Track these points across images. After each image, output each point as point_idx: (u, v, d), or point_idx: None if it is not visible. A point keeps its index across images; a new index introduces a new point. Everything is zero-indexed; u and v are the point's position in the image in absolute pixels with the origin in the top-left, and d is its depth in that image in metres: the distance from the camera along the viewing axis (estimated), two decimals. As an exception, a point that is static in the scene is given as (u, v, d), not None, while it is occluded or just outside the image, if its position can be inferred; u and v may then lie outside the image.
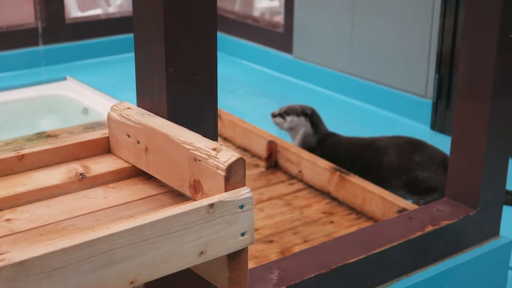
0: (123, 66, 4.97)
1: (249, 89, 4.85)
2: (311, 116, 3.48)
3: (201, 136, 1.54)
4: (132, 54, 1.77)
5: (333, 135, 3.51)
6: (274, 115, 3.53)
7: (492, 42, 2.29)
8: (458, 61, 2.48)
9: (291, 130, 3.49)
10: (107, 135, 1.76)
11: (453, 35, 3.92)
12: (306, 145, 3.45)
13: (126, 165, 1.69)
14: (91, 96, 4.61)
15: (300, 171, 3.20)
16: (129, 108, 1.71)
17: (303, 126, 3.47)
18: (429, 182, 3.21)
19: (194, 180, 1.50)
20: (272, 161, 3.33)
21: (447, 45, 3.95)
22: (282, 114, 3.50)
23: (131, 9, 2.94)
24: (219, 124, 3.63)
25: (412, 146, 3.33)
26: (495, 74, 2.31)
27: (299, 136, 3.48)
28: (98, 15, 6.10)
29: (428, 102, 4.08)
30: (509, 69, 2.35)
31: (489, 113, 2.35)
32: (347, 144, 3.45)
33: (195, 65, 1.67)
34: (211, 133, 1.67)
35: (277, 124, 3.52)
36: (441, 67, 4.01)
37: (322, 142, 3.46)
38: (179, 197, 1.59)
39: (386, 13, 4.27)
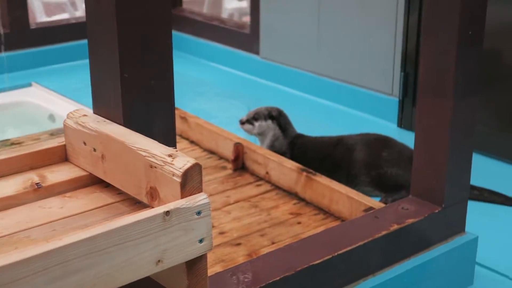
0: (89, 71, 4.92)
1: (217, 91, 4.83)
2: (278, 118, 3.47)
3: (157, 142, 1.52)
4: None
5: (301, 136, 3.51)
6: (242, 122, 3.49)
7: (452, 40, 2.30)
8: (420, 59, 2.48)
9: (261, 135, 3.48)
10: (64, 143, 1.73)
11: (417, 32, 3.93)
12: (275, 149, 3.43)
13: (83, 173, 1.67)
14: (57, 102, 4.56)
15: (267, 173, 3.19)
16: (85, 115, 1.69)
17: (272, 130, 3.45)
18: (397, 178, 3.22)
19: (150, 187, 1.48)
20: (239, 163, 3.31)
21: (412, 42, 3.97)
22: (250, 120, 3.47)
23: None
24: (186, 127, 3.62)
25: (381, 142, 3.35)
26: (456, 71, 2.32)
27: (267, 140, 3.46)
28: (64, 20, 6.04)
29: (395, 99, 4.09)
30: (470, 66, 2.37)
31: (451, 111, 2.36)
32: (316, 143, 3.45)
33: (151, 70, 1.65)
34: (169, 139, 1.66)
35: (246, 130, 3.49)
36: (406, 65, 4.02)
37: (292, 145, 3.45)
38: (136, 205, 1.57)
39: (351, 12, 4.28)
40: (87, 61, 5.52)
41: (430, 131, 2.44)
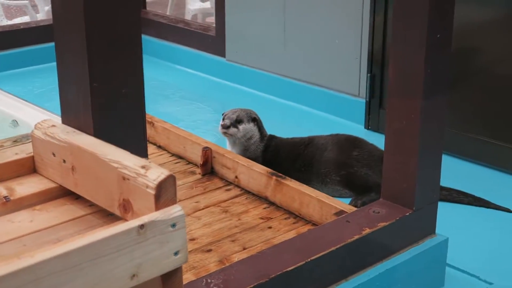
0: (52, 75, 4.84)
1: (183, 94, 4.79)
2: (258, 121, 3.44)
3: (129, 153, 1.49)
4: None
5: (274, 137, 3.49)
6: (226, 126, 3.34)
7: (421, 43, 2.30)
8: (389, 62, 2.49)
9: (242, 137, 3.38)
10: (32, 154, 1.69)
11: (383, 34, 3.95)
12: (250, 152, 3.38)
13: (52, 185, 1.63)
14: (20, 107, 4.46)
15: (236, 177, 3.17)
16: (53, 125, 1.65)
17: (252, 132, 3.40)
18: (367, 178, 3.23)
19: (123, 200, 1.45)
20: (208, 167, 3.28)
21: (377, 44, 3.98)
22: (234, 123, 3.35)
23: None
24: (153, 132, 3.58)
25: (352, 142, 3.36)
26: (425, 75, 2.33)
27: (245, 143, 3.39)
28: (25, 23, 5.94)
29: (362, 101, 4.10)
30: (439, 69, 2.37)
31: (420, 114, 2.37)
32: (288, 144, 3.45)
33: (121, 79, 1.62)
34: (140, 149, 1.63)
35: (231, 135, 3.36)
36: (372, 66, 4.03)
37: (265, 147, 3.43)
38: (109, 216, 1.54)
39: (317, 14, 4.28)
40: (49, 64, 5.41)
41: (400, 134, 2.45)
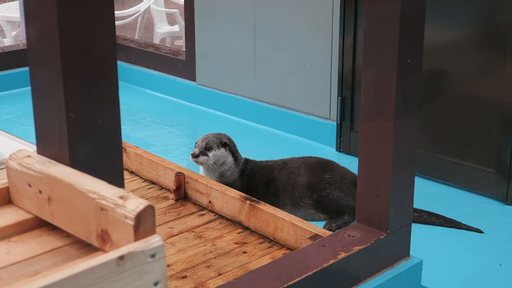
0: (20, 101, 4.83)
1: (154, 118, 4.78)
2: (230, 145, 3.42)
3: (107, 183, 1.48)
4: (29, 88, 1.69)
5: (249, 161, 3.49)
6: (196, 155, 3.32)
7: (392, 68, 2.33)
8: (360, 84, 2.52)
9: (215, 164, 3.37)
10: (7, 185, 1.67)
11: (353, 56, 3.99)
12: (227, 179, 3.37)
13: (28, 216, 1.61)
14: (-13, 133, 4.42)
15: (210, 202, 3.16)
16: (29, 156, 1.63)
17: (225, 158, 3.38)
18: (339, 201, 3.25)
19: (101, 231, 1.44)
20: (181, 193, 3.27)
21: (347, 66, 4.02)
22: (203, 151, 3.34)
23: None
24: (125, 157, 3.56)
25: (323, 165, 3.37)
26: (396, 99, 2.35)
27: (220, 169, 3.38)
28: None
29: (333, 124, 4.13)
30: (410, 93, 2.41)
31: (393, 138, 2.40)
32: (263, 168, 3.45)
33: (97, 109, 1.62)
34: (117, 179, 1.62)
35: (202, 163, 3.34)
36: (343, 89, 4.07)
37: (242, 172, 3.41)
38: (86, 247, 1.52)
39: (287, 38, 4.31)
40: (17, 90, 5.34)
41: (373, 158, 2.47)
